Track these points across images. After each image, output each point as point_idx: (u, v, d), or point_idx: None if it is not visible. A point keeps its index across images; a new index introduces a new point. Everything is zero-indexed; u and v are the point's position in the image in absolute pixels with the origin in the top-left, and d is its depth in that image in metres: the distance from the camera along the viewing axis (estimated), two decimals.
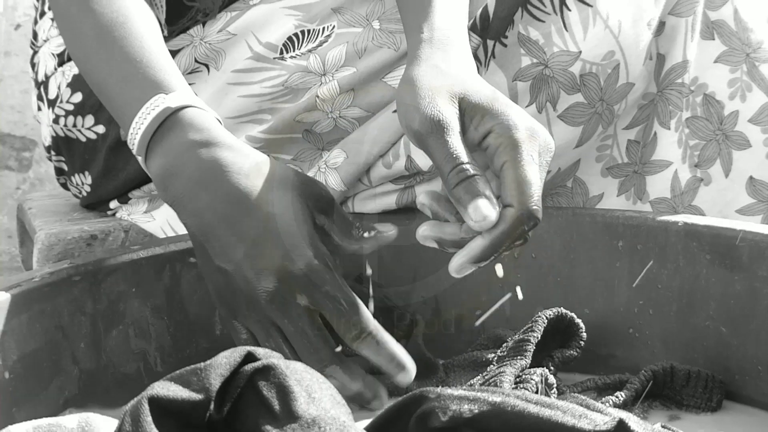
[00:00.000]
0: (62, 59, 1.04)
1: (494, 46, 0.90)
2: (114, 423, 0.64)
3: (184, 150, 0.77)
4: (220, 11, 0.97)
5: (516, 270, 0.91)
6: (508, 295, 0.82)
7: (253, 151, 0.78)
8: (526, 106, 0.91)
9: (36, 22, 1.10)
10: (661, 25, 0.96)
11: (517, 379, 0.76)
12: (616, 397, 0.79)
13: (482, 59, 0.91)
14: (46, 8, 1.08)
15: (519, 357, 0.78)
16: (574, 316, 0.82)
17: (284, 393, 0.60)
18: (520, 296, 0.80)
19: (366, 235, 0.81)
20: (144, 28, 0.83)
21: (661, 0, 0.94)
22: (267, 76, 0.94)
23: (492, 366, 0.78)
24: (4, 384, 0.73)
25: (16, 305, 0.75)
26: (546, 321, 0.80)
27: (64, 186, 1.12)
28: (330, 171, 0.95)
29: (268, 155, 0.80)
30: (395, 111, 0.92)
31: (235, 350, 0.62)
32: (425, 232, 0.72)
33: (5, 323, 0.74)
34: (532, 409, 0.61)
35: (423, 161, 0.92)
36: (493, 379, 0.75)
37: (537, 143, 0.70)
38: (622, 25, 0.91)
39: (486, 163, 0.73)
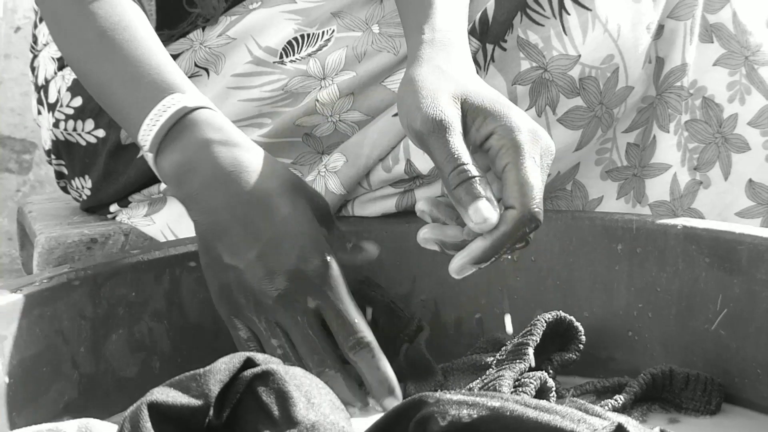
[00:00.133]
0: (62, 63, 1.04)
1: (493, 50, 0.90)
2: (114, 428, 0.64)
3: (202, 148, 0.78)
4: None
5: (515, 273, 0.91)
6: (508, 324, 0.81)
7: (268, 155, 0.80)
8: (526, 110, 0.91)
9: (36, 26, 1.10)
10: (660, 28, 0.96)
11: (516, 383, 0.76)
12: (615, 400, 0.79)
13: (481, 63, 0.91)
14: None
15: (518, 361, 0.78)
16: (573, 320, 0.82)
17: (283, 398, 0.60)
18: (509, 329, 0.79)
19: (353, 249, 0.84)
20: (147, 32, 0.84)
21: (660, 3, 0.94)
22: (267, 80, 0.94)
23: (491, 370, 0.78)
24: (4, 388, 0.73)
25: (16, 310, 0.75)
26: (545, 324, 0.80)
27: (65, 189, 1.12)
28: (330, 174, 0.95)
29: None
30: (395, 115, 0.92)
31: (234, 356, 0.62)
32: (426, 235, 0.72)
33: (5, 327, 0.74)
34: (531, 413, 0.61)
35: (423, 165, 0.92)
36: (492, 383, 0.75)
37: (539, 146, 0.70)
38: (621, 28, 0.91)
39: (487, 165, 0.73)
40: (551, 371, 0.82)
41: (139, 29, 0.83)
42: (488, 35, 0.90)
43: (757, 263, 0.81)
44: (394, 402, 0.75)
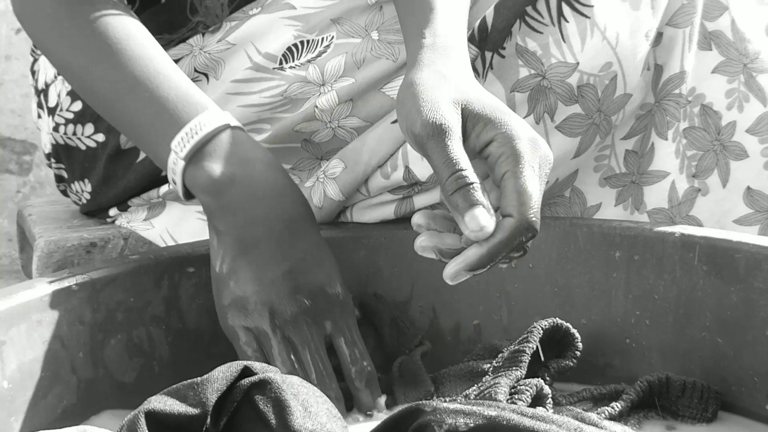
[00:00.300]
0: None
1: (492, 57, 0.90)
2: None
3: (245, 164, 0.82)
4: None
5: (513, 280, 0.91)
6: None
7: (294, 182, 0.85)
8: (524, 117, 0.91)
9: None
10: (659, 35, 0.96)
11: (512, 390, 0.76)
12: (612, 407, 0.79)
13: (480, 70, 0.91)
14: None
15: (514, 368, 0.78)
16: (570, 326, 0.82)
17: (280, 407, 0.60)
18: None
19: None
20: (159, 50, 0.88)
21: (659, 11, 0.94)
22: (266, 86, 0.94)
23: (487, 376, 0.78)
24: (3, 393, 0.74)
25: (15, 315, 0.75)
26: (541, 331, 0.80)
27: (64, 193, 1.13)
28: (328, 181, 0.95)
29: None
30: (394, 122, 0.92)
31: (231, 365, 0.62)
32: (424, 243, 0.71)
33: (4, 332, 0.74)
34: (528, 422, 0.61)
35: (421, 172, 0.92)
36: (488, 390, 0.75)
37: (538, 155, 0.70)
38: (619, 36, 0.91)
39: (485, 172, 0.73)
40: (548, 378, 0.82)
41: (161, 53, 0.87)
42: (487, 42, 0.90)
43: (755, 272, 0.81)
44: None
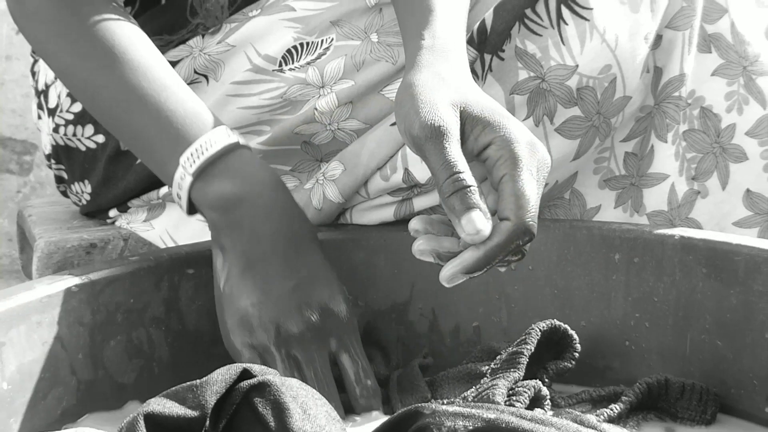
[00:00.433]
0: None
1: (491, 59, 0.90)
2: None
3: (255, 183, 0.83)
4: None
5: (513, 282, 0.91)
6: None
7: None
8: (523, 120, 0.91)
9: None
10: (658, 38, 0.96)
11: (510, 392, 0.76)
12: (611, 409, 0.79)
13: (479, 73, 0.91)
14: None
15: (512, 369, 0.78)
16: (568, 328, 0.82)
17: (279, 410, 0.60)
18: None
19: None
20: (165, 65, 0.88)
21: (659, 13, 0.94)
22: (266, 88, 0.94)
23: (485, 378, 0.78)
24: (2, 394, 0.74)
25: (14, 316, 0.75)
26: (539, 333, 0.80)
27: (64, 194, 1.13)
28: (328, 183, 0.95)
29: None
30: (393, 124, 0.92)
31: (230, 367, 0.62)
32: (422, 246, 0.71)
33: (4, 334, 0.74)
34: (526, 425, 0.61)
35: (420, 174, 0.92)
36: (486, 392, 0.75)
37: (536, 158, 0.70)
38: (618, 39, 0.91)
39: (483, 175, 0.72)
40: (547, 380, 0.82)
41: (172, 72, 0.88)
42: (486, 45, 0.90)
43: (754, 274, 0.81)
44: None
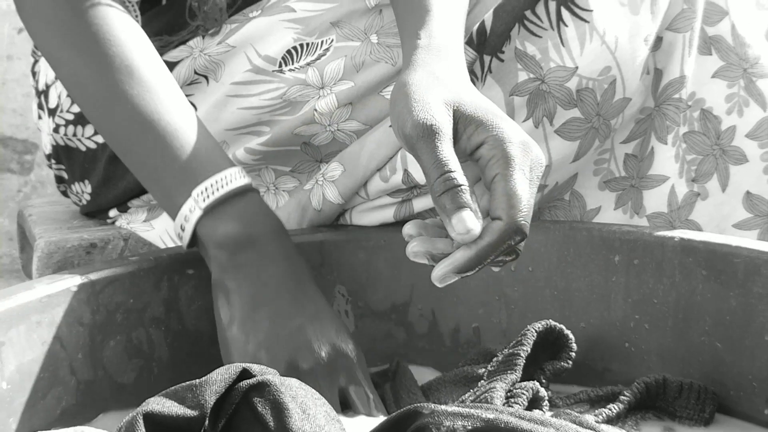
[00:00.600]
0: None
1: (491, 61, 0.90)
2: None
3: (264, 225, 0.84)
4: None
5: (513, 283, 0.91)
6: None
7: None
8: (523, 121, 0.91)
9: None
10: (659, 40, 0.96)
11: (508, 394, 0.76)
12: (609, 409, 0.79)
13: (479, 74, 0.91)
14: None
15: (509, 371, 0.78)
16: (563, 328, 0.82)
17: (279, 410, 0.60)
18: None
19: None
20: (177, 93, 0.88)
21: (659, 15, 0.94)
22: (266, 89, 0.94)
23: (483, 381, 0.78)
24: (2, 394, 0.74)
25: (14, 316, 0.75)
26: (535, 334, 0.80)
27: (64, 194, 1.13)
28: (328, 184, 0.96)
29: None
30: None
31: (230, 367, 0.62)
32: (416, 248, 0.71)
33: (3, 333, 0.74)
34: (525, 425, 0.61)
35: (420, 175, 0.92)
36: (484, 395, 0.75)
37: (529, 158, 0.69)
38: (618, 40, 0.91)
39: (478, 175, 0.72)
40: (544, 381, 0.82)
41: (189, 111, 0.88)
42: (486, 46, 0.90)
43: (754, 276, 0.81)
44: None
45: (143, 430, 0.58)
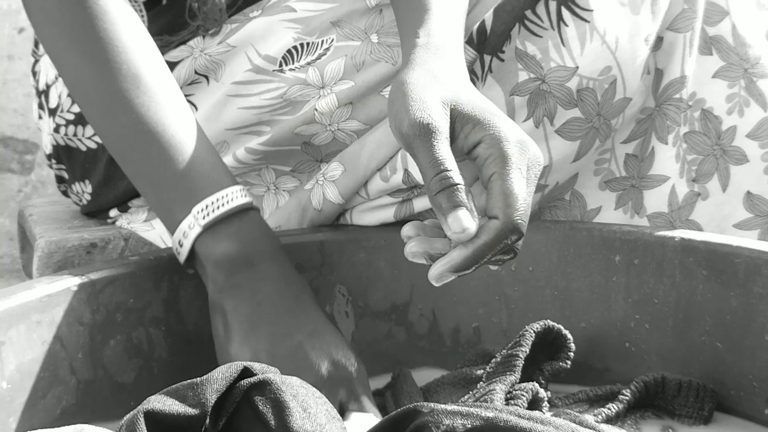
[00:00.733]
0: None
1: (491, 60, 0.90)
2: None
3: (263, 245, 0.84)
4: None
5: (513, 283, 0.91)
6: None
7: None
8: (523, 121, 0.91)
9: None
10: (659, 40, 0.96)
11: (508, 395, 0.76)
12: (609, 409, 0.79)
13: (479, 74, 0.91)
14: None
15: (508, 372, 0.77)
16: (561, 328, 0.82)
17: (280, 408, 0.60)
18: None
19: None
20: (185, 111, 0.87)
21: (659, 15, 0.94)
22: (266, 89, 0.94)
23: (482, 383, 0.78)
24: (2, 394, 0.74)
25: (14, 315, 0.75)
26: (533, 335, 0.80)
27: (65, 194, 1.13)
28: (328, 183, 0.96)
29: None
30: None
31: (231, 365, 0.62)
32: (414, 248, 0.71)
33: (3, 333, 0.74)
34: (525, 424, 0.61)
35: (420, 175, 0.92)
36: (483, 397, 0.75)
37: (526, 157, 0.69)
38: (619, 40, 0.91)
39: (475, 174, 0.72)
40: (543, 381, 0.82)
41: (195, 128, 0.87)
42: (486, 46, 0.90)
43: (754, 276, 0.81)
44: None
45: (144, 428, 0.58)
